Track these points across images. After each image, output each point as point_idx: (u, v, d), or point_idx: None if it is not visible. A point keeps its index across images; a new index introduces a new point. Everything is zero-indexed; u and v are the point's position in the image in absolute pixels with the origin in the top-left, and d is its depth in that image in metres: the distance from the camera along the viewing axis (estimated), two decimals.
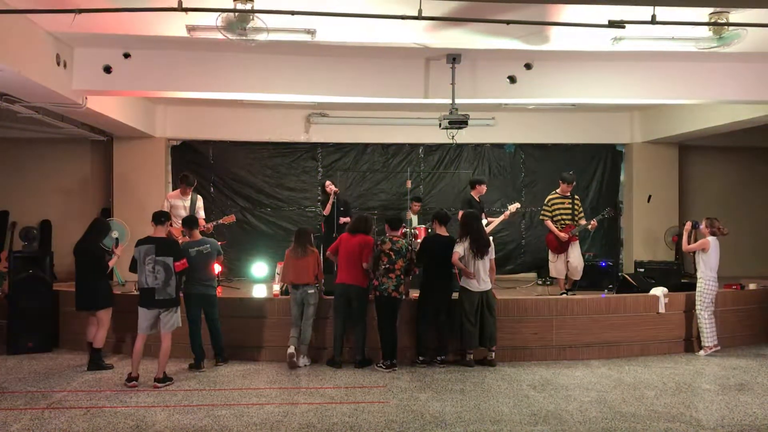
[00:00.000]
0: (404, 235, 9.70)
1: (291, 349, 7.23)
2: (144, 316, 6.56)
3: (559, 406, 5.87)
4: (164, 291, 6.49)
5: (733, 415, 5.61)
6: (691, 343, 8.23)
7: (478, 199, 9.11)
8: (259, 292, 8.89)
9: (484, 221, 8.63)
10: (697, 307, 7.99)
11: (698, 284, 8.02)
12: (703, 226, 8.13)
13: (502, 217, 9.26)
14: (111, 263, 7.39)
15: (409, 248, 7.43)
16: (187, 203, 8.70)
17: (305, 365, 7.33)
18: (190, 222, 7.45)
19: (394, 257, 7.24)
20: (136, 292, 8.02)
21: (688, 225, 8.46)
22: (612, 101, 8.86)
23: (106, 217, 10.52)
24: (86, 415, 5.56)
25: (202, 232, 7.77)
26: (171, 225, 8.58)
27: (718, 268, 8.03)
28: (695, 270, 8.24)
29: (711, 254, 7.97)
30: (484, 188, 9.20)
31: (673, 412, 5.67)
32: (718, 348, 7.92)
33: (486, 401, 6.01)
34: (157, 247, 6.51)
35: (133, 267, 6.62)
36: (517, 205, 9.32)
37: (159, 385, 6.43)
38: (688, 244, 8.33)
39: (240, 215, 11.16)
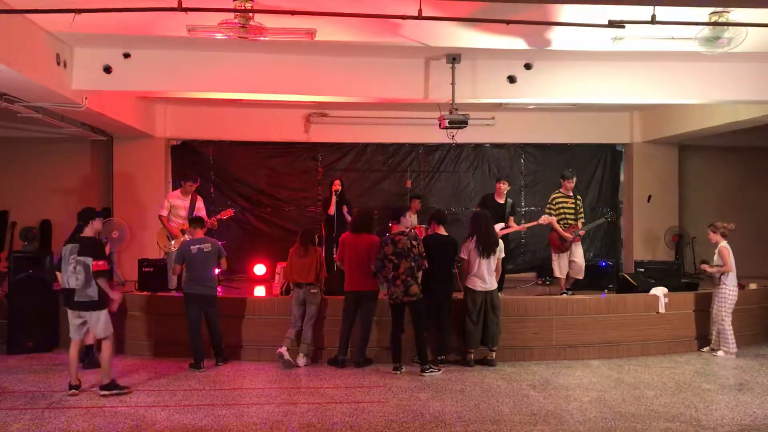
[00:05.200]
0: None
1: (282, 349, 7.21)
2: (70, 318, 6.25)
3: (559, 406, 5.87)
4: (83, 292, 6.11)
5: (733, 415, 5.62)
6: (691, 342, 8.23)
7: (500, 200, 8.98)
8: (259, 292, 8.89)
9: (499, 225, 8.59)
10: (721, 313, 7.87)
11: (722, 291, 7.90)
12: (711, 236, 8.04)
13: (526, 225, 9.14)
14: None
15: (413, 243, 7.05)
16: (188, 203, 8.71)
17: (305, 365, 7.33)
18: (196, 221, 7.49)
19: (396, 261, 6.99)
20: (137, 292, 8.06)
21: (705, 266, 8.16)
22: (612, 101, 8.86)
23: (107, 217, 10.51)
24: (86, 415, 5.56)
25: (208, 230, 7.78)
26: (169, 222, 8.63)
27: None
28: (695, 271, 8.22)
29: (731, 256, 7.92)
30: (500, 186, 9.10)
31: (673, 412, 5.67)
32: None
33: (486, 401, 6.02)
34: (80, 247, 6.17)
35: (59, 266, 6.34)
36: (552, 219, 8.74)
37: (104, 392, 6.11)
38: (721, 265, 7.94)
39: (240, 215, 11.16)
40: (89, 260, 6.09)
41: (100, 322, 6.17)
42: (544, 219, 8.84)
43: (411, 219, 10.04)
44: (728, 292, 7.89)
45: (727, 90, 8.24)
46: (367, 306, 7.32)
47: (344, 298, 7.42)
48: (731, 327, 7.86)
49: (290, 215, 11.63)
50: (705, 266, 8.19)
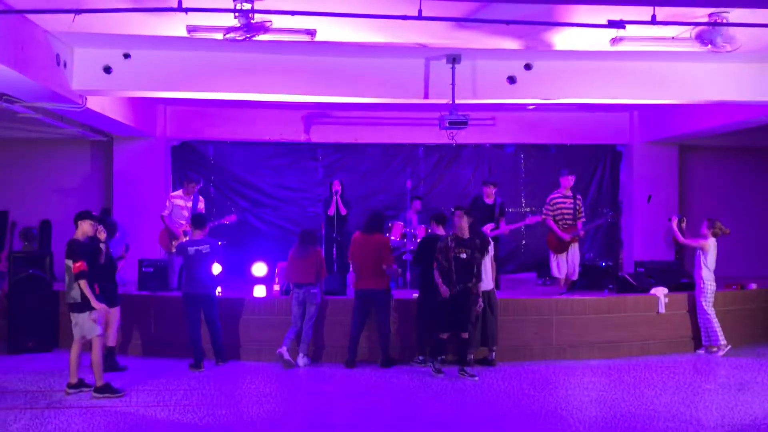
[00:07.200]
0: (403, 235, 9.77)
1: (282, 349, 7.21)
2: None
3: (559, 406, 5.87)
4: (68, 294, 6.11)
5: (733, 414, 5.61)
6: (691, 342, 8.22)
7: (489, 200, 9.11)
8: (259, 292, 8.89)
9: (489, 226, 8.63)
10: (705, 307, 7.93)
11: (701, 285, 7.99)
12: (704, 227, 8.12)
13: (513, 225, 9.34)
14: (120, 264, 7.29)
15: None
16: (190, 204, 8.71)
17: (305, 365, 7.33)
18: (195, 222, 7.45)
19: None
20: (137, 292, 8.07)
21: (675, 220, 8.57)
22: (612, 101, 8.86)
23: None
24: (86, 415, 5.56)
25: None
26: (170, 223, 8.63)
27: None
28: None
29: (711, 255, 8.00)
30: (487, 189, 9.20)
31: (673, 412, 5.67)
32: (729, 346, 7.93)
33: (486, 401, 6.01)
34: (65, 249, 6.15)
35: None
36: (537, 218, 9.20)
37: (96, 395, 6.03)
38: (683, 237, 8.45)
39: (240, 215, 11.15)
40: (70, 262, 6.04)
41: (80, 325, 6.08)
42: (530, 219, 9.31)
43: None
44: (708, 286, 7.95)
45: (727, 90, 8.23)
46: (380, 305, 7.33)
47: (355, 298, 7.43)
48: (717, 319, 7.89)
49: (290, 215, 11.62)
50: (674, 221, 8.55)
